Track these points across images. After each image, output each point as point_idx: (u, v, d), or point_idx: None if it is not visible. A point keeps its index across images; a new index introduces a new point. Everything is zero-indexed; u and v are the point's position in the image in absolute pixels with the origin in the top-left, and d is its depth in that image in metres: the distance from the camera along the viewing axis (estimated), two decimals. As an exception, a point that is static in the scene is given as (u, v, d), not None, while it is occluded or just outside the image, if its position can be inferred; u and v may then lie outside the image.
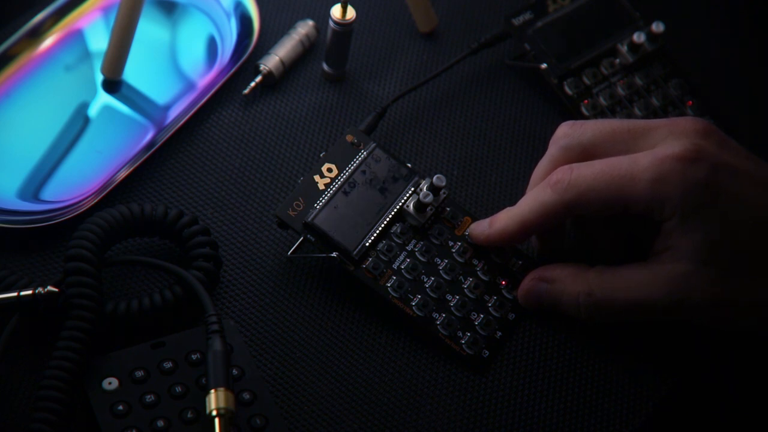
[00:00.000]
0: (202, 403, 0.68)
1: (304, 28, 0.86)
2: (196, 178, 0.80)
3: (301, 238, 0.75)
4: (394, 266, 0.75)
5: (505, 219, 0.75)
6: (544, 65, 0.85)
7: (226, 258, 0.77)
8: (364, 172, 0.77)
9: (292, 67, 0.86)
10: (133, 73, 0.83)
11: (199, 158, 0.81)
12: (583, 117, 0.84)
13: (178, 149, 0.81)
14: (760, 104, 0.89)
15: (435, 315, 0.74)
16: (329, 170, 0.77)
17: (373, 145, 0.78)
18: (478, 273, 0.76)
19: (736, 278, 0.70)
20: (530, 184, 0.75)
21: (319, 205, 0.75)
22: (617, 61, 0.85)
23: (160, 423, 0.69)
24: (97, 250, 0.71)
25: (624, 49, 0.85)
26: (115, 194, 0.78)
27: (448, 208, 0.78)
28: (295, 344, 0.74)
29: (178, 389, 0.70)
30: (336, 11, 0.81)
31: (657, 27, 0.85)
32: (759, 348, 0.77)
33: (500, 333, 0.75)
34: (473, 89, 0.87)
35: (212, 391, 0.68)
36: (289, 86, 0.85)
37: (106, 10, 0.86)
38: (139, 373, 0.70)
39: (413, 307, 0.74)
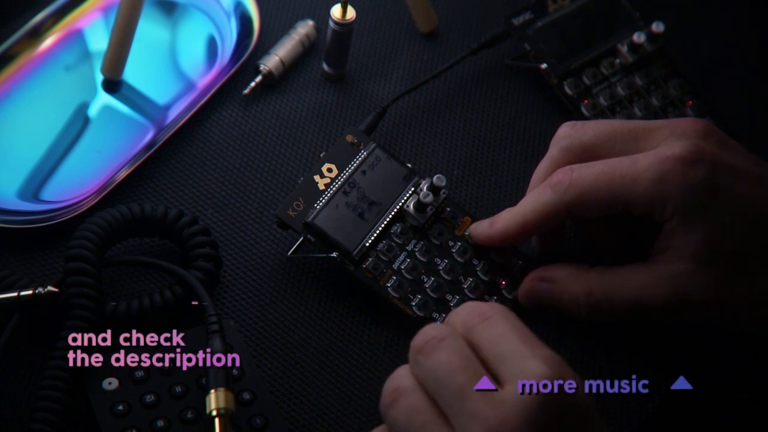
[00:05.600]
0: (202, 403, 0.68)
1: (304, 28, 0.86)
2: (196, 178, 0.80)
3: (301, 238, 0.75)
4: (394, 266, 0.75)
5: (506, 219, 0.75)
6: (544, 65, 0.85)
7: (226, 258, 0.77)
8: (364, 172, 0.77)
9: (292, 67, 0.86)
10: (133, 73, 0.83)
11: (199, 158, 0.81)
12: (583, 117, 0.84)
13: (178, 149, 0.81)
14: (760, 104, 0.89)
15: (435, 315, 0.74)
16: (329, 170, 0.77)
17: (373, 145, 0.78)
18: (478, 273, 0.76)
19: (736, 278, 0.70)
20: (531, 185, 0.75)
21: (319, 205, 0.75)
22: (617, 61, 0.85)
23: (160, 423, 0.69)
24: (98, 250, 0.71)
25: (624, 49, 0.85)
26: (115, 194, 0.78)
27: (448, 208, 0.78)
28: (295, 344, 0.74)
29: (178, 389, 0.70)
30: (336, 11, 0.81)
31: (657, 27, 0.85)
32: (759, 348, 0.77)
33: (500, 333, 0.75)
34: (473, 89, 0.86)
35: (212, 391, 0.68)
36: (289, 86, 0.85)
37: (106, 10, 0.86)
38: (139, 373, 0.70)
39: (413, 307, 0.74)
